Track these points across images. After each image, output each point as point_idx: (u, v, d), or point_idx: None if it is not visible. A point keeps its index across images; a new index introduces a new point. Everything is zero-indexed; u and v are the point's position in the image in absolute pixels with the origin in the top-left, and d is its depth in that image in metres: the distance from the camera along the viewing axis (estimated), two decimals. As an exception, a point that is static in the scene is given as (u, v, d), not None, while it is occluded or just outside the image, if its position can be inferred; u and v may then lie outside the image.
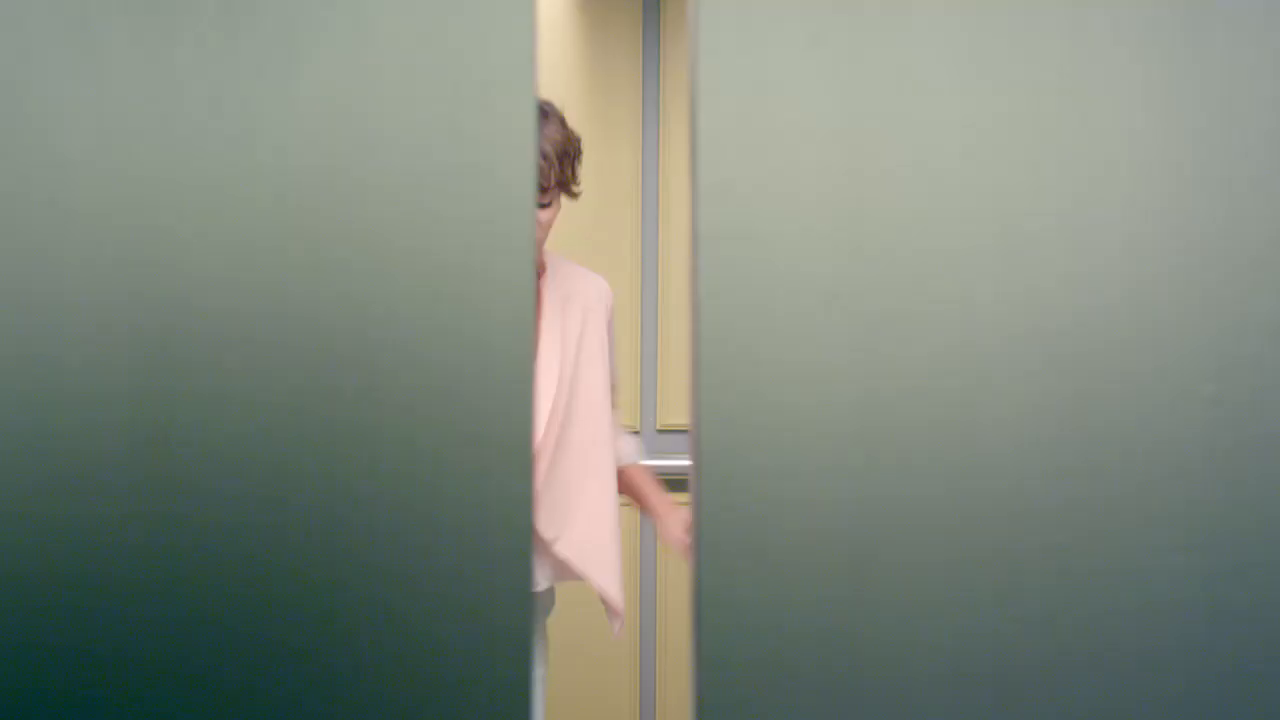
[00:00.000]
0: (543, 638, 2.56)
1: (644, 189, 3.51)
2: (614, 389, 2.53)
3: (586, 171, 3.51)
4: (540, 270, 2.48)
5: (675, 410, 3.53)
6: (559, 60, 3.49)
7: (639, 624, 3.56)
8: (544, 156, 2.31)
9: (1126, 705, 1.09)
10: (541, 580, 2.43)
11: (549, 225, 2.39)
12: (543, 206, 2.35)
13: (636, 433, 3.54)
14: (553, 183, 2.35)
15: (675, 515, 2.54)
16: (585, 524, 2.40)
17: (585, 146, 3.49)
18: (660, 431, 3.54)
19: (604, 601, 2.44)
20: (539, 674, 2.53)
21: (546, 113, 2.38)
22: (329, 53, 1.07)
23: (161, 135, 1.07)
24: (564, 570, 2.44)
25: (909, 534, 1.09)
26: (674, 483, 3.53)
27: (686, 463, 3.51)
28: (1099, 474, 1.09)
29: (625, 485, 2.58)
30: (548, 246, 2.50)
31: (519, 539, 1.07)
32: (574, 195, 2.43)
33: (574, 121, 3.51)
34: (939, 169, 1.09)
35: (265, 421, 1.06)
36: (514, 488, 1.07)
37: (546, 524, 2.35)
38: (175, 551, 1.06)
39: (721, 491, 1.08)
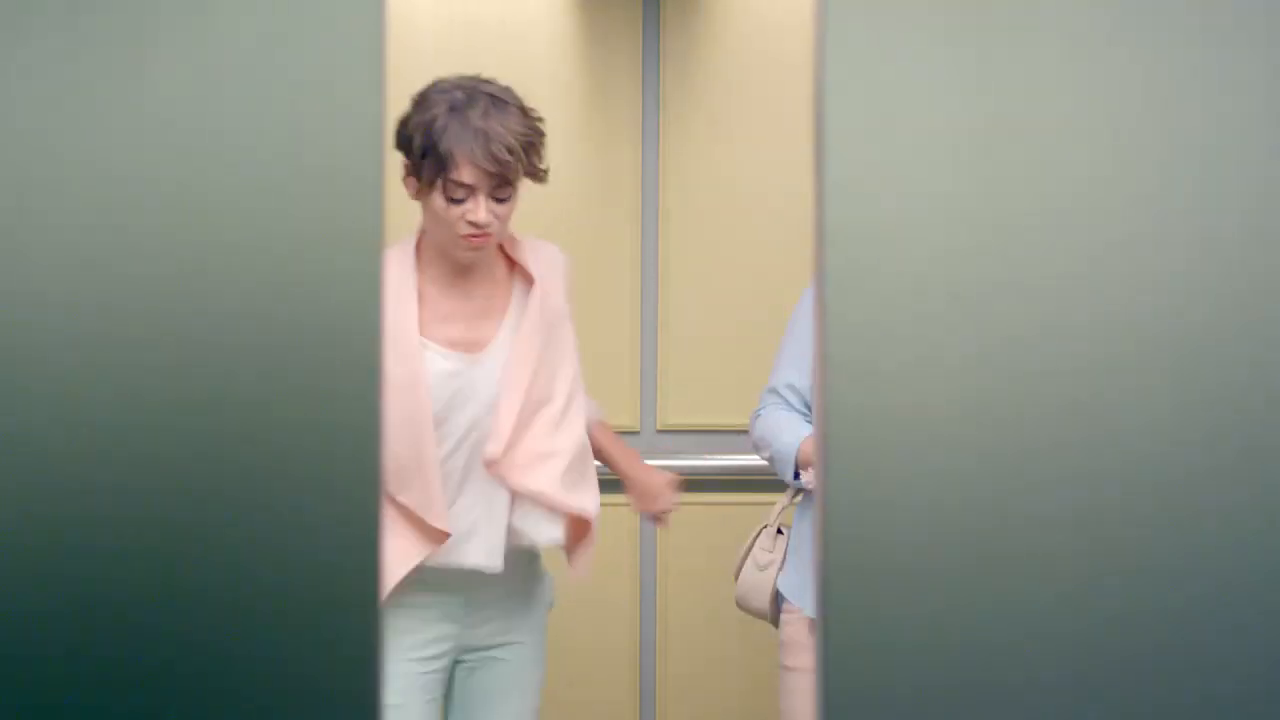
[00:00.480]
0: (541, 636, 2.54)
1: (644, 189, 3.51)
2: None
3: (587, 171, 3.51)
4: (510, 245, 2.44)
5: (675, 410, 3.52)
6: (559, 60, 3.49)
7: (639, 624, 3.55)
8: (508, 151, 2.26)
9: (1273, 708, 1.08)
10: (551, 533, 2.40)
11: (508, 217, 2.34)
12: (501, 201, 2.31)
13: (636, 433, 3.54)
14: (518, 177, 2.31)
15: (647, 475, 2.50)
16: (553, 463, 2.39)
17: (585, 146, 3.49)
18: (660, 432, 3.54)
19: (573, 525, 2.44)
20: (536, 677, 2.52)
21: (505, 102, 2.32)
22: (173, 51, 1.05)
23: (1, 134, 1.05)
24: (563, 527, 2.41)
25: (1039, 535, 1.08)
26: (674, 483, 3.54)
27: (687, 463, 3.51)
28: (1237, 476, 1.08)
29: (593, 445, 2.53)
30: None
31: (365, 549, 1.05)
32: (542, 181, 2.39)
33: (574, 122, 3.51)
34: (1068, 168, 1.08)
35: (107, 422, 1.04)
36: (360, 495, 1.05)
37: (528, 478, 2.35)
38: (12, 552, 1.04)
39: (849, 493, 1.07)
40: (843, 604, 1.07)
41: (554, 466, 2.39)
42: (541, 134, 2.36)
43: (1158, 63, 1.09)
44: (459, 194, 2.28)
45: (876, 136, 1.08)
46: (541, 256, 2.46)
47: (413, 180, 2.34)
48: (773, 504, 2.72)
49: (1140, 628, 1.08)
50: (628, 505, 3.49)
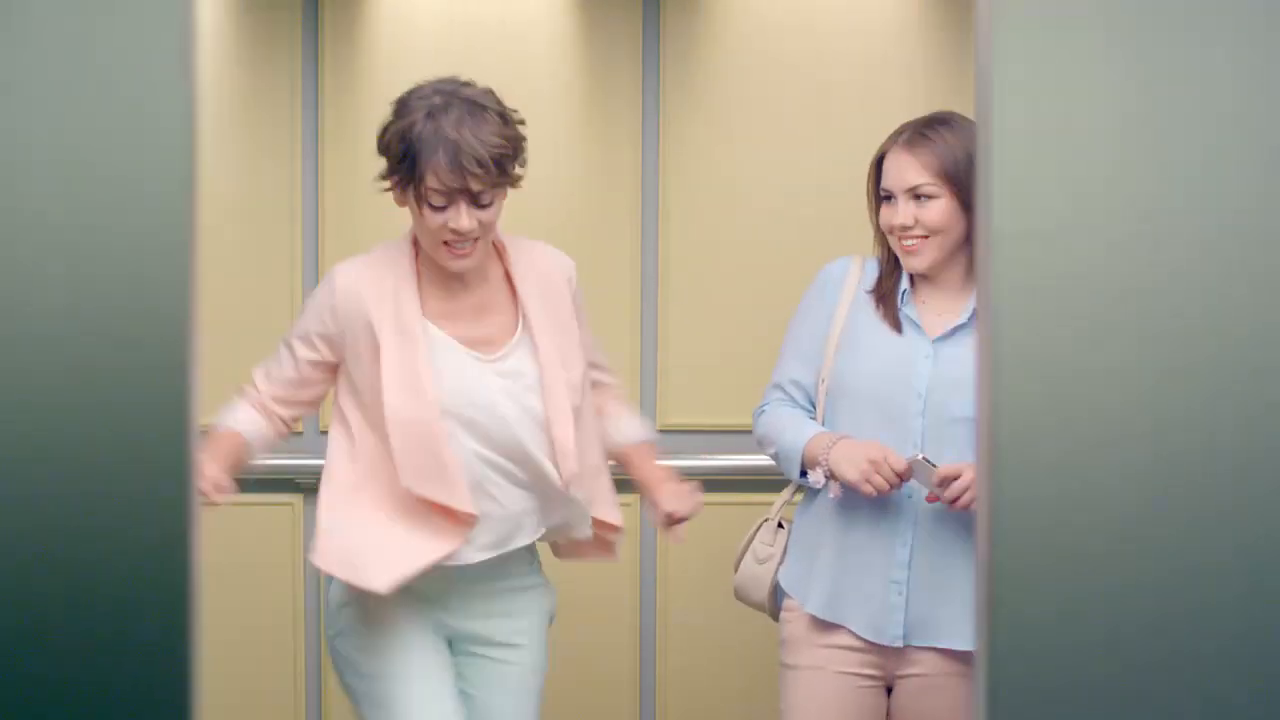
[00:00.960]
0: (543, 642, 2.54)
1: (644, 188, 3.51)
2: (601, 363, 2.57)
3: (587, 171, 3.51)
4: (499, 251, 2.44)
5: (675, 410, 3.52)
6: (559, 60, 3.49)
7: (639, 624, 3.55)
8: (478, 164, 2.23)
9: None
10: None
11: (493, 223, 2.33)
12: (484, 206, 2.29)
13: (636, 433, 3.54)
14: (491, 187, 2.28)
15: (666, 489, 2.50)
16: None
17: (585, 146, 3.49)
18: (660, 432, 3.54)
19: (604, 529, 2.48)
20: (535, 684, 2.52)
21: (483, 108, 2.29)
22: None
23: None
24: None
25: (1210, 536, 1.06)
26: (674, 483, 3.53)
27: (687, 463, 3.50)
28: None
29: (627, 461, 2.55)
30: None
31: (175, 552, 1.04)
32: (515, 186, 2.37)
33: (574, 122, 3.50)
34: (1236, 170, 1.07)
35: None
36: (170, 500, 1.04)
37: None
38: None
39: (1016, 493, 1.06)
40: (1008, 609, 1.06)
41: (604, 482, 2.49)
42: (520, 140, 2.34)
43: None
44: (438, 201, 2.27)
45: (1044, 138, 1.06)
46: (537, 261, 2.45)
47: (397, 187, 2.33)
48: (773, 504, 2.72)
49: None
50: (628, 505, 3.50)
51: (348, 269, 2.42)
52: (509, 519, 2.39)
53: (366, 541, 2.36)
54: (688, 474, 3.55)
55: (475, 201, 2.26)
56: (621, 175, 3.49)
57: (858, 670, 2.50)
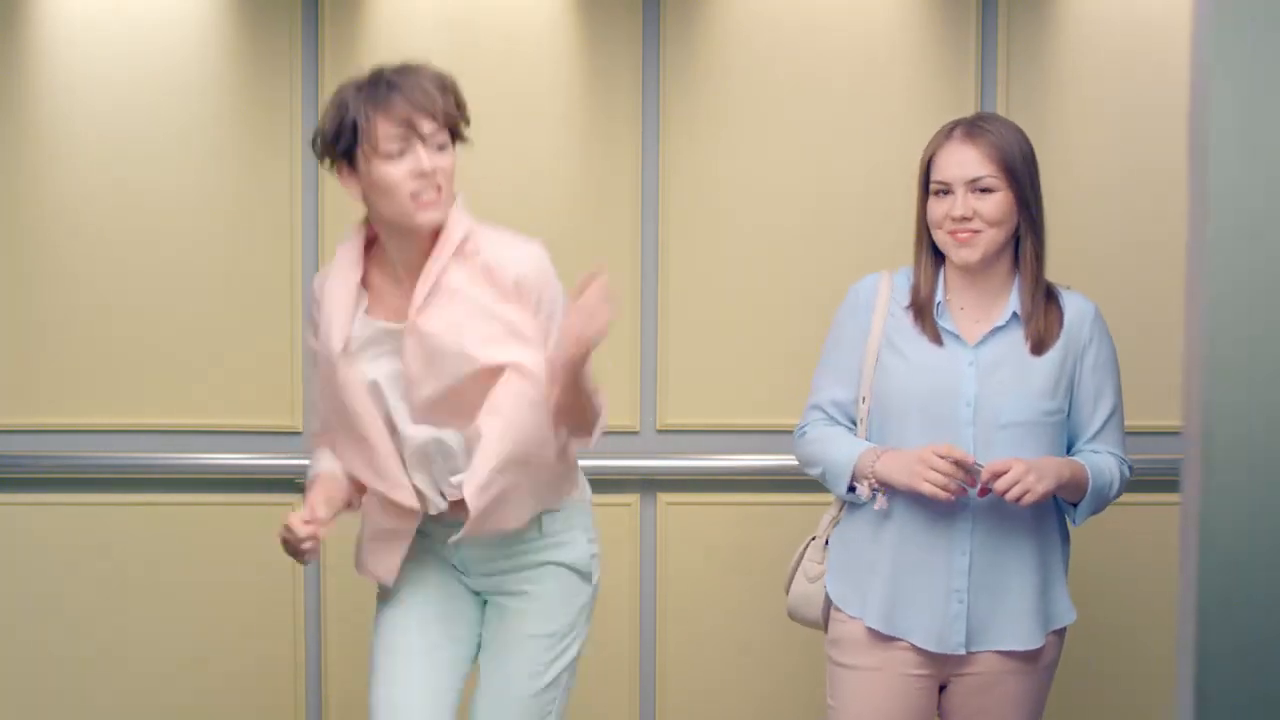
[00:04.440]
0: (556, 591, 2.55)
1: (644, 188, 3.50)
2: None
3: (587, 171, 3.50)
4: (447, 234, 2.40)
5: (675, 410, 3.52)
6: (559, 60, 3.49)
7: (639, 623, 3.55)
8: (423, 92, 2.30)
9: None
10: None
11: (450, 172, 2.36)
12: (439, 149, 2.34)
13: (636, 433, 3.54)
14: (441, 118, 2.33)
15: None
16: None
17: (585, 147, 3.49)
18: (660, 432, 3.54)
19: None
20: (542, 631, 2.52)
21: (413, 67, 2.36)
22: None
23: None
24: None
25: None
26: (677, 483, 3.53)
27: (687, 463, 3.50)
28: None
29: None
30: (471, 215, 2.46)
31: None
32: (462, 138, 2.42)
33: (574, 122, 3.50)
34: None
35: None
36: None
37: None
38: None
39: (1226, 490, 1.05)
40: (1219, 611, 1.05)
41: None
42: (461, 99, 2.40)
43: None
44: (393, 145, 2.30)
45: (1257, 140, 1.05)
46: (485, 251, 2.40)
47: (348, 171, 2.36)
48: (776, 505, 2.73)
49: None
50: (628, 505, 3.50)
51: (316, 279, 2.52)
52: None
53: (363, 535, 2.57)
54: (688, 474, 3.57)
55: (431, 143, 2.32)
56: (621, 175, 3.49)
57: (915, 672, 2.54)
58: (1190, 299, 1.08)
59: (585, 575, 2.57)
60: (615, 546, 3.44)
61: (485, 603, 2.57)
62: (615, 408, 3.52)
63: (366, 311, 2.42)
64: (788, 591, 2.71)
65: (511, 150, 3.46)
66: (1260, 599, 1.06)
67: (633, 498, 3.54)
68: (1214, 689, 1.06)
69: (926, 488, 2.40)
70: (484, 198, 3.53)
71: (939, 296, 2.53)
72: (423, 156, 2.31)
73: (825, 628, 2.66)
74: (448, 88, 2.37)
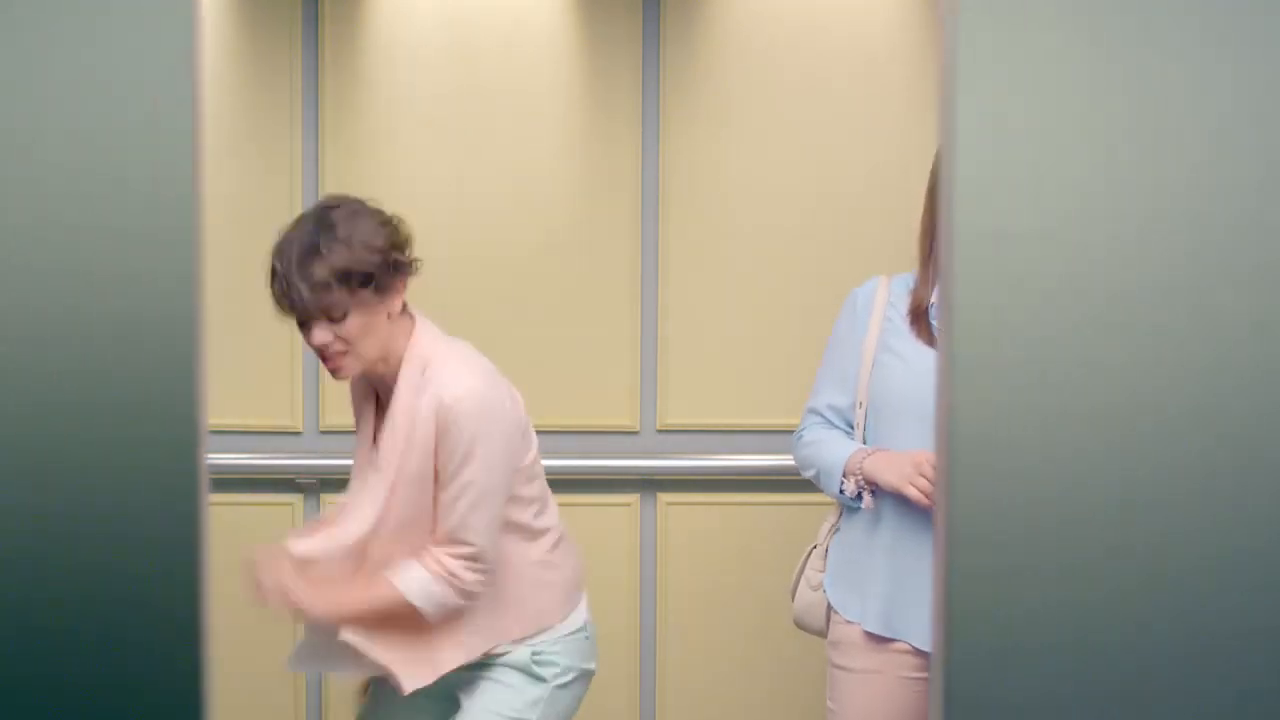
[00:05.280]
0: (516, 683, 2.57)
1: (644, 188, 3.50)
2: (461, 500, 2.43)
3: (587, 170, 3.51)
4: (406, 364, 2.45)
5: (675, 410, 3.52)
6: (559, 60, 3.49)
7: (639, 622, 3.55)
8: (300, 300, 2.37)
9: None
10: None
11: (358, 336, 2.40)
12: (337, 321, 2.39)
13: (636, 433, 3.54)
14: (327, 314, 2.39)
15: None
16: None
17: (585, 146, 3.49)
18: (660, 432, 3.54)
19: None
20: (503, 699, 2.56)
21: (329, 226, 2.40)
22: None
23: None
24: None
25: (1168, 536, 1.06)
26: (673, 483, 3.53)
27: (687, 463, 3.51)
28: None
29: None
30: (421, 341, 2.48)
31: (187, 559, 1.04)
32: (382, 295, 2.43)
33: (574, 121, 3.50)
34: (1205, 170, 1.07)
35: None
36: (182, 499, 1.03)
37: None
38: None
39: (974, 494, 1.05)
40: (966, 612, 1.06)
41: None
42: (378, 255, 2.39)
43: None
44: (298, 322, 2.43)
45: (1004, 139, 1.06)
46: (422, 388, 2.44)
47: None
48: (776, 505, 2.73)
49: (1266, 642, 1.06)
50: (628, 505, 3.50)
51: None
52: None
53: None
54: (688, 474, 3.57)
55: (329, 318, 2.38)
56: (621, 175, 3.49)
57: (914, 675, 2.55)
58: (941, 302, 1.08)
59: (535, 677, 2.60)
60: (615, 547, 3.45)
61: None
62: (615, 408, 3.53)
63: None
64: (793, 599, 2.73)
65: (511, 150, 3.46)
66: (1004, 612, 1.06)
67: (633, 498, 3.54)
68: (961, 694, 1.07)
69: (912, 491, 2.41)
70: (484, 198, 3.54)
71: (933, 298, 2.53)
72: (315, 333, 2.40)
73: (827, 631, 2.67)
74: (343, 268, 2.37)
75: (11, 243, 1.04)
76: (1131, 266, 1.07)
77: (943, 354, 1.07)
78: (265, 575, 2.47)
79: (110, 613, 1.04)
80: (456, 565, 2.40)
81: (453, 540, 2.40)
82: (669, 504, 3.52)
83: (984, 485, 1.06)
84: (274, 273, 2.40)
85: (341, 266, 2.36)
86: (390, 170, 3.44)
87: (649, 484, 3.53)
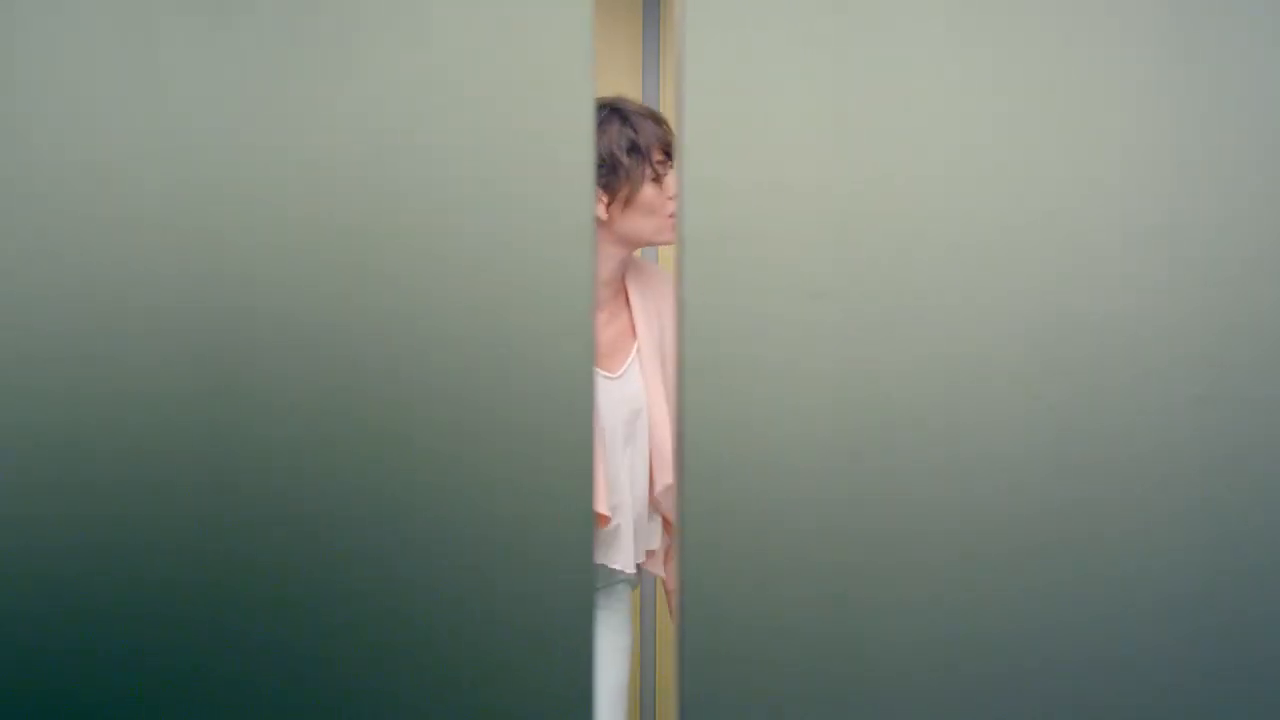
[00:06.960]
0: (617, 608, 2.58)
1: (644, 189, 3.50)
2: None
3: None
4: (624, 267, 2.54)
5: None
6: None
7: (639, 625, 3.55)
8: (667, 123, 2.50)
9: (1121, 705, 1.08)
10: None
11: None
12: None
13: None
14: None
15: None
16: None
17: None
18: (660, 432, 3.54)
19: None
20: (624, 643, 2.57)
21: (644, 106, 2.55)
22: (377, 54, 1.04)
23: (207, 138, 1.04)
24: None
25: (897, 534, 1.08)
26: (674, 483, 3.53)
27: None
28: (1090, 475, 1.08)
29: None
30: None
31: (579, 549, 1.05)
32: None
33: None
34: (929, 168, 1.09)
35: (320, 425, 1.04)
36: (574, 503, 1.05)
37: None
38: (222, 554, 1.04)
39: (707, 492, 1.07)
40: (699, 606, 1.07)
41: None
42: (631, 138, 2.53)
43: (1021, 58, 1.09)
44: (664, 167, 2.46)
45: (736, 138, 1.07)
46: (653, 281, 2.54)
47: (605, 197, 2.46)
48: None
49: (996, 622, 1.08)
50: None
51: None
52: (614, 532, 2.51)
53: None
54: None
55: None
56: (621, 175, 3.49)
57: None
58: (676, 297, 1.09)
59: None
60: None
61: None
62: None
63: None
64: None
65: (511, 150, 3.47)
66: (738, 594, 1.08)
67: (633, 498, 3.53)
68: (695, 694, 1.08)
69: None
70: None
71: None
72: (672, 177, 2.45)
73: None
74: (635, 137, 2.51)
75: (411, 243, 1.06)
76: (862, 265, 1.09)
77: (676, 355, 1.08)
78: None
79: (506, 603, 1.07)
80: None
81: None
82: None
83: (713, 493, 1.07)
84: (623, 142, 2.47)
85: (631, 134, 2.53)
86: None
87: (649, 484, 3.53)
